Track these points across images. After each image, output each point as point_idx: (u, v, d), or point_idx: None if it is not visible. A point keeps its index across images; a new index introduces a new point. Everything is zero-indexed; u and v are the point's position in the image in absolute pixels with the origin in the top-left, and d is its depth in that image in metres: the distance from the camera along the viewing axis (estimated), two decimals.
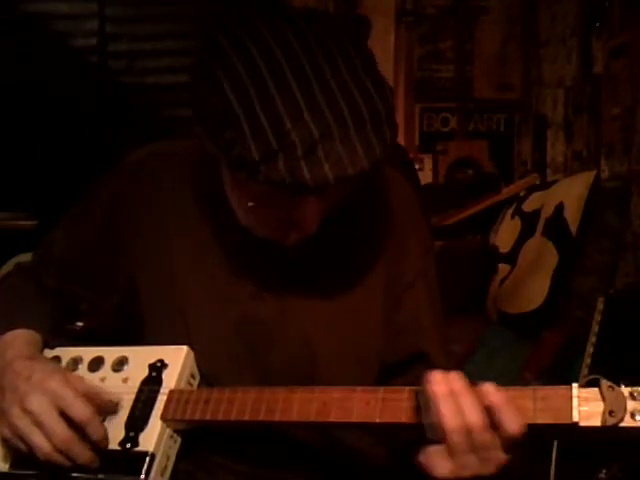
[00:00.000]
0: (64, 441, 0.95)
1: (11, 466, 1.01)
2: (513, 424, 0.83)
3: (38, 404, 0.95)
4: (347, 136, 0.85)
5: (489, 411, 0.84)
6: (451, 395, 0.85)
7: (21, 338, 1.07)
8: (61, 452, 0.95)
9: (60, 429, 0.95)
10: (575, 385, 0.82)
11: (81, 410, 0.96)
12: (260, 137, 0.84)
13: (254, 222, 0.97)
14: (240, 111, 0.85)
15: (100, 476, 0.98)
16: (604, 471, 1.67)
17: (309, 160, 0.84)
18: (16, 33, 3.18)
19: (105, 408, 1.01)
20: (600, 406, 0.81)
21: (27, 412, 0.95)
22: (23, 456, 0.98)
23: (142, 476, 0.96)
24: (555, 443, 1.76)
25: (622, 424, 0.79)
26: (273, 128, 0.84)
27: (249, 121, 0.85)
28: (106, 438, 0.98)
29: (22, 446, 0.96)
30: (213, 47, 0.89)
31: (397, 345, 1.09)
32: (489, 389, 0.85)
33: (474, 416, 0.84)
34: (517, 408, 0.83)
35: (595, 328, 1.96)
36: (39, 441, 0.95)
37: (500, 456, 0.86)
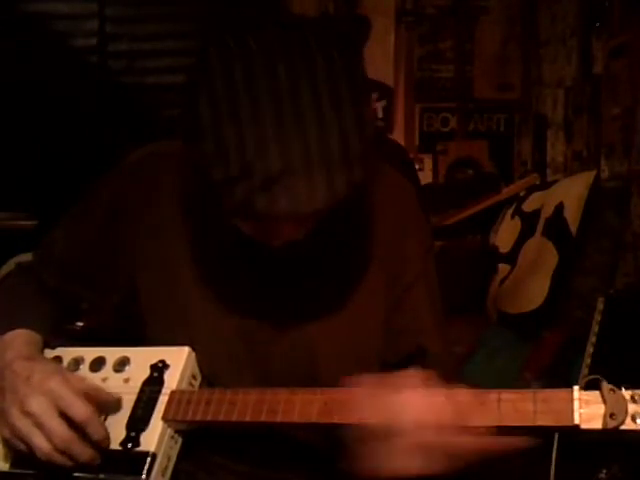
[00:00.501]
0: (65, 441, 0.95)
1: (12, 465, 1.02)
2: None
3: (37, 405, 0.95)
4: (310, 173, 0.83)
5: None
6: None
7: (21, 338, 1.07)
8: (62, 452, 0.95)
9: (60, 429, 0.95)
10: (576, 388, 0.83)
11: (81, 410, 0.96)
12: (223, 161, 0.84)
13: (238, 223, 0.97)
14: (209, 131, 0.85)
15: (101, 476, 0.98)
16: (604, 471, 1.67)
17: (265, 193, 0.83)
18: (16, 33, 3.18)
19: (106, 406, 1.01)
20: (601, 409, 0.81)
21: (27, 414, 0.95)
22: (24, 455, 0.98)
23: (143, 476, 0.96)
24: (555, 443, 1.76)
25: (623, 427, 0.79)
26: (237, 155, 0.83)
27: (216, 143, 0.84)
28: (107, 437, 0.98)
29: (22, 447, 0.97)
30: (201, 59, 0.88)
31: (397, 345, 1.09)
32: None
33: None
34: (519, 410, 0.83)
35: (595, 328, 1.96)
36: (39, 442, 0.95)
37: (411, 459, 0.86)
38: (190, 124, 0.86)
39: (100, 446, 0.97)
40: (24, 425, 0.96)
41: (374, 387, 0.90)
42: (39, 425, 0.95)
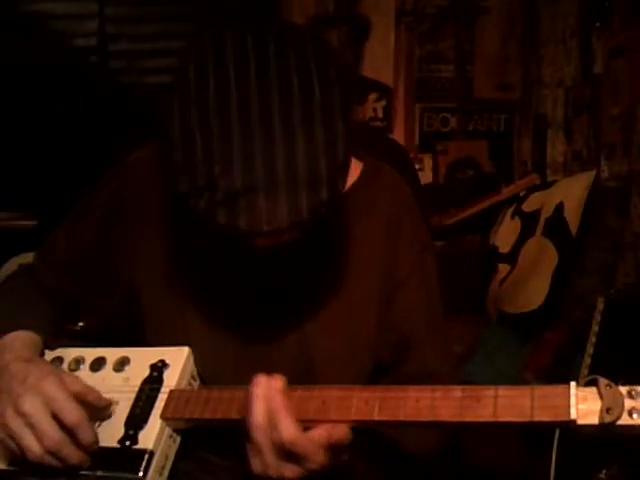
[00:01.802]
0: (56, 443, 0.95)
1: (10, 463, 1.02)
2: (284, 431, 0.86)
3: (30, 406, 0.95)
4: (274, 192, 0.82)
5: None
6: (266, 396, 0.89)
7: (20, 340, 1.07)
8: (52, 454, 0.95)
9: (52, 431, 0.95)
10: (573, 384, 0.83)
11: (72, 413, 0.96)
12: (190, 172, 0.84)
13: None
14: (179, 141, 0.85)
15: (99, 473, 0.98)
16: (604, 471, 1.67)
17: (227, 209, 0.83)
18: (16, 33, 3.18)
19: (100, 410, 1.01)
20: (598, 404, 0.80)
21: (20, 414, 0.96)
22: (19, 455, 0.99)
23: (140, 474, 0.97)
24: (555, 443, 1.76)
25: (619, 422, 0.79)
26: (203, 168, 0.83)
27: (184, 154, 0.84)
28: (96, 442, 0.98)
29: (14, 447, 0.97)
30: (181, 68, 0.89)
31: (389, 342, 1.09)
32: (274, 393, 0.88)
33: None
34: (516, 406, 0.83)
35: (595, 328, 1.95)
36: (30, 442, 0.95)
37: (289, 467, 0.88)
38: (164, 135, 0.87)
39: (88, 450, 0.98)
40: (16, 425, 0.96)
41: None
42: (31, 426, 0.95)
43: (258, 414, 0.89)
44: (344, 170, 0.87)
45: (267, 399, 0.89)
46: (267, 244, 0.91)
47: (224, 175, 0.82)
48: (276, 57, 0.85)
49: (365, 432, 0.94)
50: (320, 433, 0.88)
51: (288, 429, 0.87)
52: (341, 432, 0.89)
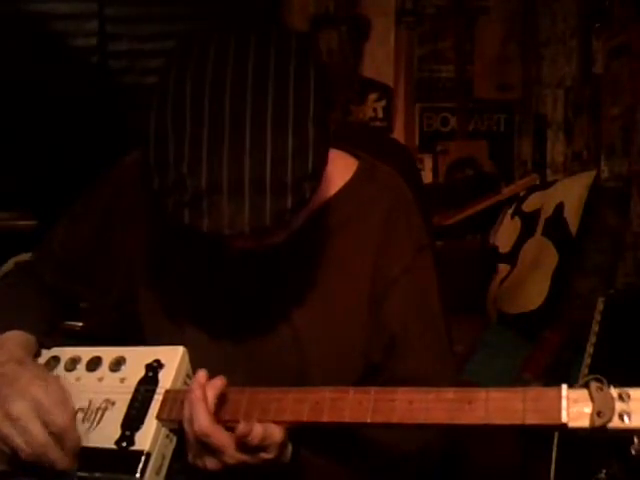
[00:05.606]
0: (41, 446, 0.96)
1: (8, 464, 1.02)
2: (196, 422, 0.89)
3: (18, 409, 0.97)
4: (238, 195, 0.83)
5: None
6: (191, 389, 0.92)
7: (14, 340, 1.07)
8: (39, 456, 0.96)
9: (38, 435, 0.96)
10: (564, 386, 0.82)
11: (58, 418, 0.97)
12: (162, 171, 0.85)
13: None
14: (154, 141, 0.86)
15: (96, 474, 0.98)
16: (604, 471, 1.66)
17: (192, 209, 0.84)
18: (16, 33, 3.18)
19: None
20: (589, 407, 0.80)
21: (8, 416, 0.97)
22: (16, 456, 0.99)
23: (137, 475, 0.97)
24: (555, 443, 1.76)
25: (610, 425, 0.79)
26: (174, 168, 0.84)
27: (157, 153, 0.85)
28: (79, 446, 0.99)
29: (5, 448, 0.98)
30: (163, 68, 0.89)
31: (380, 342, 1.08)
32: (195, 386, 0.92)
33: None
34: (507, 409, 0.83)
35: (595, 328, 1.95)
36: (20, 444, 0.96)
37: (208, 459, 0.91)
38: (143, 132, 0.87)
39: (74, 453, 0.99)
40: (5, 427, 0.97)
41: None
42: (19, 429, 0.96)
43: (185, 406, 0.92)
44: (314, 178, 0.87)
45: (189, 391, 0.92)
46: (244, 246, 0.91)
47: (191, 176, 0.83)
48: (255, 61, 0.85)
49: (331, 432, 0.94)
50: (240, 429, 0.88)
51: (199, 420, 0.89)
52: (265, 430, 0.89)
